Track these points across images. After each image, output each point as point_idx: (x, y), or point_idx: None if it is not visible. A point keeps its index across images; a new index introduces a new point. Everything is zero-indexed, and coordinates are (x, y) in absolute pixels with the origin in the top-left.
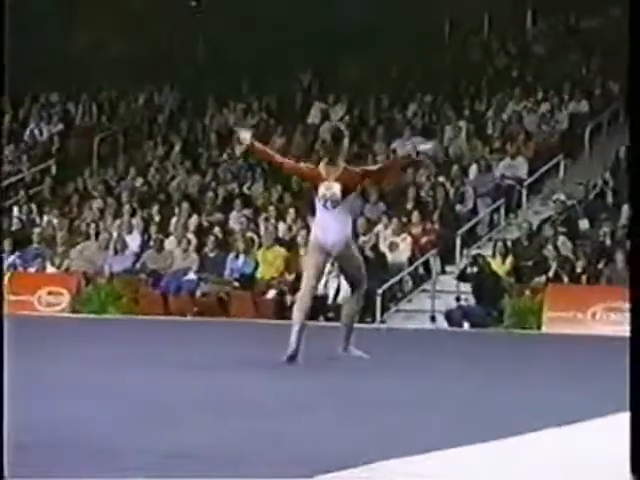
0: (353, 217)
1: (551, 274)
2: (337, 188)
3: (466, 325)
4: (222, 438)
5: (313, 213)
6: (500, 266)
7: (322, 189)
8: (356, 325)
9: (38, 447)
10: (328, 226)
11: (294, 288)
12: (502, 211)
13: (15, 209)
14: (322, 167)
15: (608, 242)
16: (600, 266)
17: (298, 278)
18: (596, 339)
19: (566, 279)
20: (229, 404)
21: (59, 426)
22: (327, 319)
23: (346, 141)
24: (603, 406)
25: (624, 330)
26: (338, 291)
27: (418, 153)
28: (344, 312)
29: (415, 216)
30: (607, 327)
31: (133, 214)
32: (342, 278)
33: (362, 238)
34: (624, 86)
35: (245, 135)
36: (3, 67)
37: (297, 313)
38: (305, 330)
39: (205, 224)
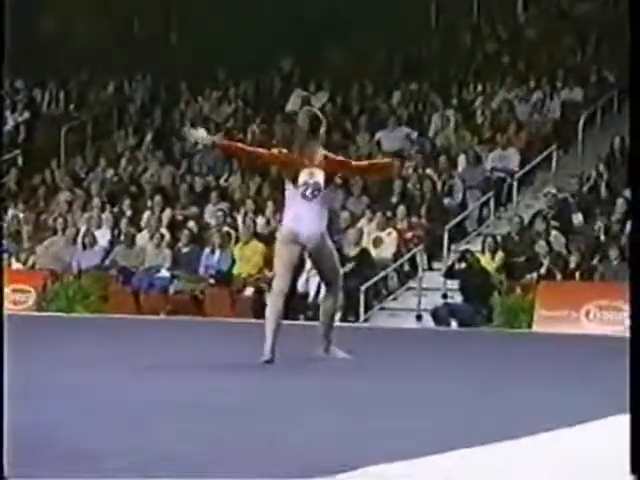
0: (328, 209)
1: (543, 271)
2: (320, 176)
3: (454, 324)
4: (193, 442)
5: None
6: (489, 262)
7: (304, 176)
8: (338, 324)
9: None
10: (304, 217)
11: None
12: (492, 205)
13: None
14: (302, 153)
15: (602, 237)
16: (594, 262)
17: None
18: (590, 339)
19: (559, 276)
20: (203, 407)
21: (23, 429)
22: (307, 318)
23: (324, 126)
24: (598, 408)
25: (620, 329)
26: (319, 289)
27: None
28: (322, 310)
29: (401, 210)
30: (602, 326)
31: (103, 208)
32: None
33: (345, 233)
34: (620, 73)
35: (199, 135)
36: None
37: (269, 315)
38: (279, 332)
39: (179, 218)
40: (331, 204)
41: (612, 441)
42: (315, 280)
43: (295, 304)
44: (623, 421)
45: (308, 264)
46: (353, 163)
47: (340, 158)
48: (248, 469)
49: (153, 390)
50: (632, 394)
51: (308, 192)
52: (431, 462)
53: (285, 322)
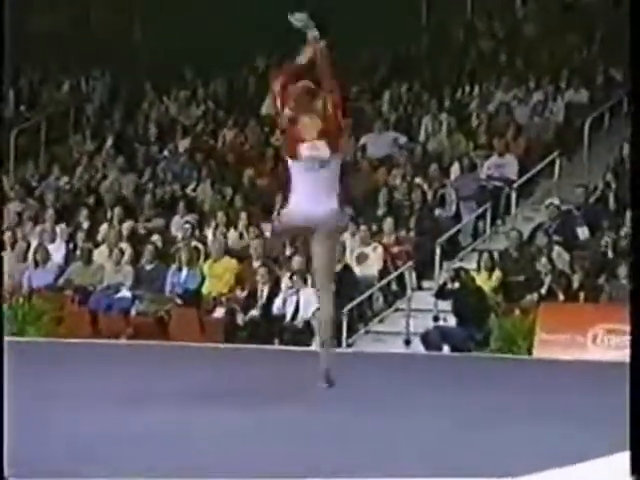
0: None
1: (544, 291)
2: (323, 145)
3: (446, 349)
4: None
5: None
6: (485, 281)
7: (306, 150)
8: (318, 349)
9: None
10: (311, 192)
11: (246, 306)
12: (488, 217)
13: None
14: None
15: (610, 253)
16: (600, 281)
17: (250, 295)
18: (596, 365)
19: (562, 296)
20: (167, 440)
21: None
22: (283, 342)
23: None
24: (603, 444)
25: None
26: (297, 310)
27: None
28: (319, 319)
29: (387, 223)
30: (609, 352)
31: (57, 220)
32: (301, 294)
33: None
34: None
35: None
36: None
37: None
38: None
39: (142, 231)
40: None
41: None
42: (293, 301)
43: (270, 327)
44: (624, 461)
45: (284, 284)
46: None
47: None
48: None
49: (113, 423)
50: (632, 392)
51: (316, 165)
52: None
53: (259, 347)
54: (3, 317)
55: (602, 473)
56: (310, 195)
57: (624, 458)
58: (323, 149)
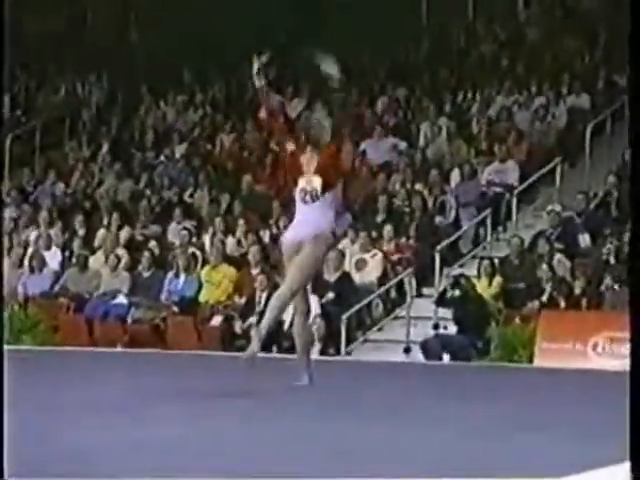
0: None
1: (545, 298)
2: (318, 182)
3: (446, 358)
4: None
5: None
6: (486, 289)
7: (302, 183)
8: (317, 357)
9: None
10: (301, 220)
11: (244, 314)
12: (489, 224)
13: None
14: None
15: (612, 261)
16: (602, 289)
17: (248, 302)
18: (598, 375)
19: (563, 304)
20: (166, 448)
21: None
22: (282, 350)
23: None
24: (604, 454)
25: None
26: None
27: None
28: (295, 334)
29: (387, 230)
30: (611, 361)
31: (52, 226)
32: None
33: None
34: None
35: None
36: None
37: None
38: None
39: (138, 238)
40: (337, 206)
41: None
42: (291, 308)
43: (268, 335)
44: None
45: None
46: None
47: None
48: None
49: (112, 433)
50: (632, 392)
51: (307, 198)
52: None
53: (257, 355)
54: (3, 324)
55: None
56: (300, 223)
57: (625, 468)
58: (318, 184)
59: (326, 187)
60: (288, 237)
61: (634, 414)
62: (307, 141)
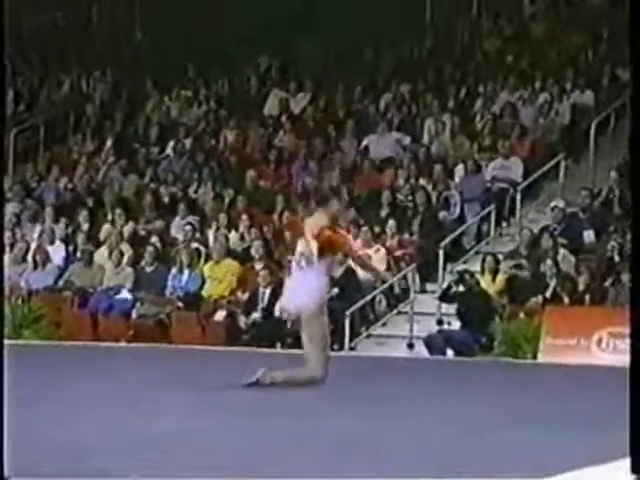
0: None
1: (549, 294)
2: (313, 247)
3: (449, 353)
4: None
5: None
6: (490, 284)
7: (299, 246)
8: None
9: None
10: (293, 288)
11: (248, 309)
12: (492, 219)
13: None
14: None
15: (616, 257)
16: (606, 284)
17: (252, 297)
18: (602, 370)
19: (567, 300)
20: (169, 443)
21: None
22: (285, 346)
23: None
24: (608, 449)
25: None
26: None
27: None
28: (293, 368)
29: (390, 225)
30: (615, 356)
31: (56, 221)
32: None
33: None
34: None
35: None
36: None
37: None
38: None
39: (142, 233)
40: (331, 273)
41: None
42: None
43: (272, 330)
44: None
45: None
46: (351, 249)
47: (337, 237)
48: None
49: (115, 429)
50: (632, 391)
51: (302, 262)
52: None
53: (261, 350)
54: (3, 319)
55: (607, 477)
56: (292, 291)
57: (627, 463)
58: (314, 249)
59: (321, 255)
60: (286, 306)
61: (634, 409)
62: (318, 205)
